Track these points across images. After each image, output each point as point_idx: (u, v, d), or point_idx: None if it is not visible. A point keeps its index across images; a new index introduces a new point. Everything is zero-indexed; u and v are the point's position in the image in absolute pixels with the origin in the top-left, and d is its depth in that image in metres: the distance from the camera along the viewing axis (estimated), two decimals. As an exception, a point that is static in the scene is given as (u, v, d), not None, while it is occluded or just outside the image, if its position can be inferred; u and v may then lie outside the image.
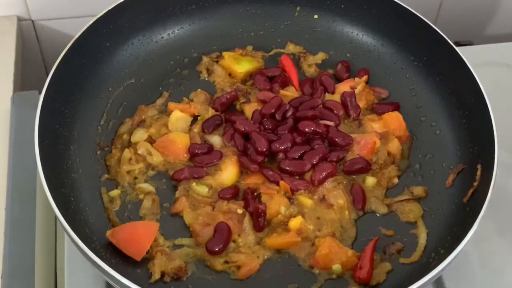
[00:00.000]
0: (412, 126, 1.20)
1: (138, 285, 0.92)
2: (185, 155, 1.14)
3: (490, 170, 1.03)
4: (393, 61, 1.27)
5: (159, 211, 1.10)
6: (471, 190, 1.06)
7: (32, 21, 1.45)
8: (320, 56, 1.29)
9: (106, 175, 1.13)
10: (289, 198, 1.09)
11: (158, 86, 1.24)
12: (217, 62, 1.27)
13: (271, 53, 1.30)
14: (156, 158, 1.14)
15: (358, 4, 1.28)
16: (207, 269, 1.04)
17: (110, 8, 1.20)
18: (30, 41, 1.47)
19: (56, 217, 0.99)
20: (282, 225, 1.07)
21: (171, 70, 1.27)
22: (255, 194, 1.10)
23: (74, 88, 1.16)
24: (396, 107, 1.21)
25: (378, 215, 1.10)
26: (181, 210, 1.09)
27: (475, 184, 1.06)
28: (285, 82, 1.24)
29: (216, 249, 1.04)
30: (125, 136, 1.17)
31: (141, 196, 1.11)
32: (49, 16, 1.44)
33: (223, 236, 1.04)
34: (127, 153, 1.14)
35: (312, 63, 1.29)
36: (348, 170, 1.13)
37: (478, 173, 1.07)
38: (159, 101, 1.22)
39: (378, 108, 1.21)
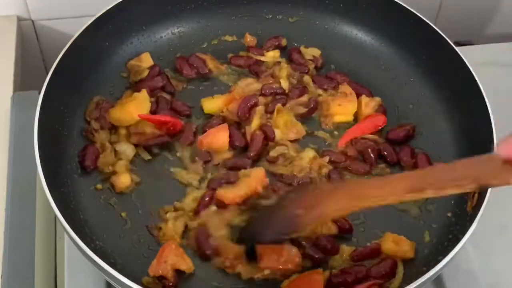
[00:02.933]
0: (411, 126, 1.20)
1: (138, 284, 0.92)
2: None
3: (489, 169, 1.03)
4: (392, 61, 1.27)
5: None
6: (470, 205, 1.06)
7: (32, 21, 1.45)
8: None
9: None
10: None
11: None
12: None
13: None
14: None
15: (357, 3, 1.27)
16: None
17: (109, 7, 1.20)
18: (30, 41, 1.47)
19: (56, 217, 0.99)
20: None
21: (170, 69, 1.27)
22: None
23: (74, 87, 1.17)
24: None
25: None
26: None
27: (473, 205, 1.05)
28: None
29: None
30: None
31: None
32: (49, 16, 1.44)
33: None
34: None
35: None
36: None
37: (476, 196, 1.05)
38: None
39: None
